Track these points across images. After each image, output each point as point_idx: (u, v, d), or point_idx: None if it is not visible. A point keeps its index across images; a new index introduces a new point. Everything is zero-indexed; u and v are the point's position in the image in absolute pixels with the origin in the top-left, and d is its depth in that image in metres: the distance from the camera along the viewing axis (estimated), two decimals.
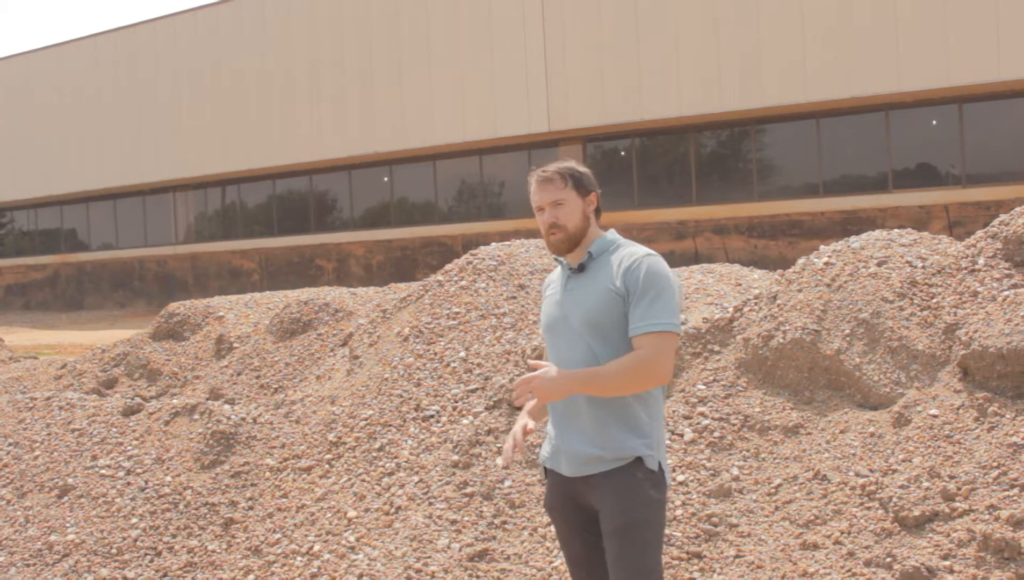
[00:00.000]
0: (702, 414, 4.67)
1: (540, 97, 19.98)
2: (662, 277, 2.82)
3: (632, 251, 2.90)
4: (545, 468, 3.06)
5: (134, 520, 4.97)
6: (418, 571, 4.25)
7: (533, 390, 2.74)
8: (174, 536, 4.85)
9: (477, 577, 4.19)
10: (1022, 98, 16.68)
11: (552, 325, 2.98)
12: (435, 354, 5.62)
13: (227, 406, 5.71)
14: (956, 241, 5.30)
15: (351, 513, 4.71)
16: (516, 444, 2.90)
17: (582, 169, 3.01)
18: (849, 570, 3.73)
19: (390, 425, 5.22)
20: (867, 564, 3.72)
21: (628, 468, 2.84)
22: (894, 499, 3.88)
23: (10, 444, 5.82)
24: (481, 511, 4.49)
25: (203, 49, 25.28)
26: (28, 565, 4.83)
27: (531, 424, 2.93)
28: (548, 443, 3.01)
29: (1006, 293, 4.44)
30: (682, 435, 4.59)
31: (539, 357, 5.20)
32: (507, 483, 4.62)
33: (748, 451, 4.45)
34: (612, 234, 3.00)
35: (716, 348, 5.03)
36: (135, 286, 27.94)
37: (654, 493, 2.85)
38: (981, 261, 4.72)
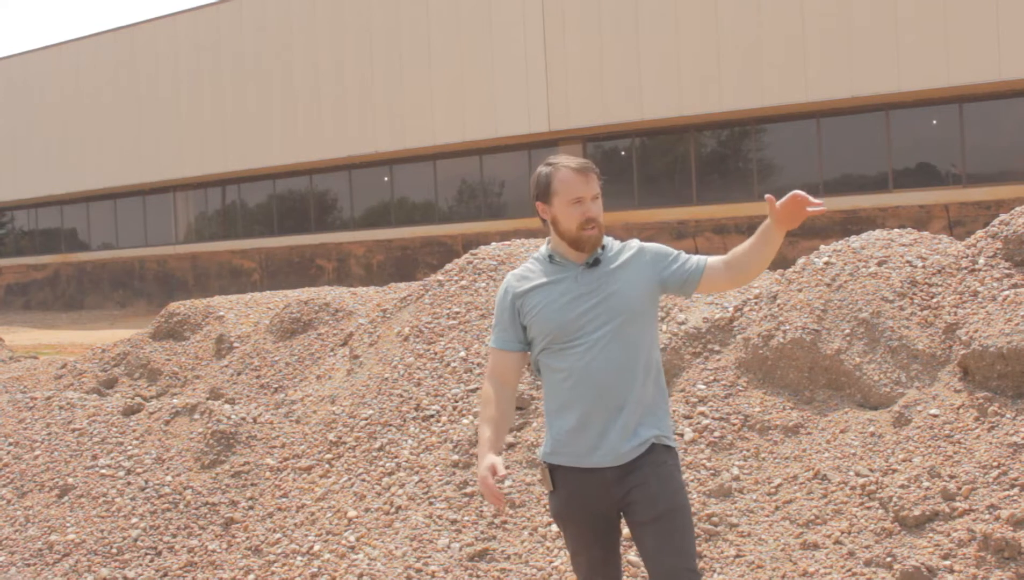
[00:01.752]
0: (702, 414, 4.67)
1: (540, 97, 19.97)
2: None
3: (628, 245, 3.06)
4: (552, 474, 2.96)
5: (134, 520, 4.97)
6: (418, 571, 4.25)
7: (801, 203, 2.82)
8: (174, 536, 4.85)
9: (477, 577, 4.19)
10: (1022, 98, 16.68)
11: (573, 326, 2.90)
12: (435, 354, 5.61)
13: (227, 406, 5.71)
14: (956, 241, 5.30)
15: (351, 513, 4.71)
16: (495, 495, 2.84)
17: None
18: (849, 570, 3.73)
19: (390, 425, 5.22)
20: (867, 564, 3.73)
21: (657, 456, 2.90)
22: (894, 499, 3.88)
23: (10, 444, 5.82)
24: (481, 511, 4.49)
25: (203, 49, 25.27)
26: (28, 565, 4.84)
27: (500, 464, 2.86)
28: (567, 443, 2.93)
29: (1006, 293, 4.44)
30: (682, 435, 4.58)
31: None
32: (507, 483, 4.62)
33: (748, 451, 4.45)
34: None
35: (716, 348, 5.03)
36: (135, 286, 27.94)
37: (680, 478, 2.97)
38: (981, 261, 4.72)
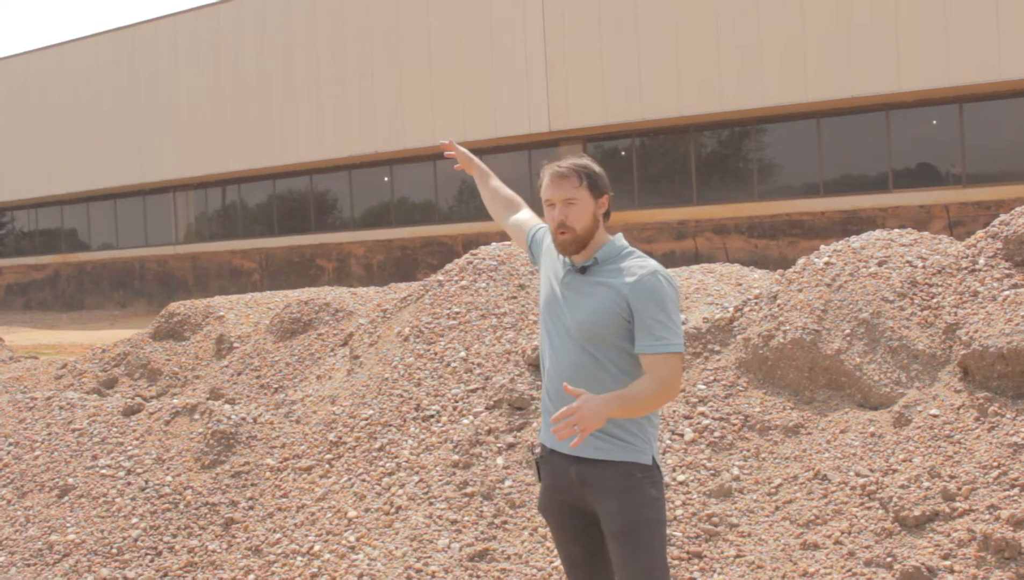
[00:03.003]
0: (702, 414, 4.67)
1: (540, 97, 19.98)
2: (670, 297, 2.80)
3: (638, 265, 2.84)
4: (539, 468, 3.01)
5: (134, 520, 4.97)
6: (418, 571, 4.25)
7: (578, 422, 2.58)
8: (174, 536, 4.85)
9: (477, 577, 4.19)
10: (1022, 98, 16.68)
11: (547, 312, 2.98)
12: (435, 354, 5.61)
13: (227, 406, 5.71)
14: (956, 241, 5.30)
15: (351, 513, 4.71)
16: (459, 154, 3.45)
17: (598, 169, 2.94)
18: (849, 570, 3.73)
19: (390, 425, 5.22)
20: (867, 564, 3.73)
21: (625, 467, 2.82)
22: (894, 499, 3.88)
23: (10, 444, 5.82)
24: (481, 511, 4.49)
25: (203, 49, 25.28)
26: (28, 565, 4.83)
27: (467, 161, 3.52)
28: (546, 425, 2.99)
29: (1006, 293, 4.44)
30: (682, 435, 4.58)
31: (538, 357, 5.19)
32: (507, 483, 4.62)
33: (748, 451, 4.45)
34: (620, 240, 2.95)
35: (716, 348, 5.03)
36: (135, 286, 27.94)
37: (654, 492, 2.84)
38: (981, 261, 4.72)
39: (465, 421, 5.05)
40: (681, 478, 4.37)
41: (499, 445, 4.82)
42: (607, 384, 2.80)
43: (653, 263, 2.86)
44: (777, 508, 4.14)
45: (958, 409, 4.17)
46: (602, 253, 2.89)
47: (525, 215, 3.37)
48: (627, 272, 2.83)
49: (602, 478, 2.82)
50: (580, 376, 2.83)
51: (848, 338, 4.65)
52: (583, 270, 2.90)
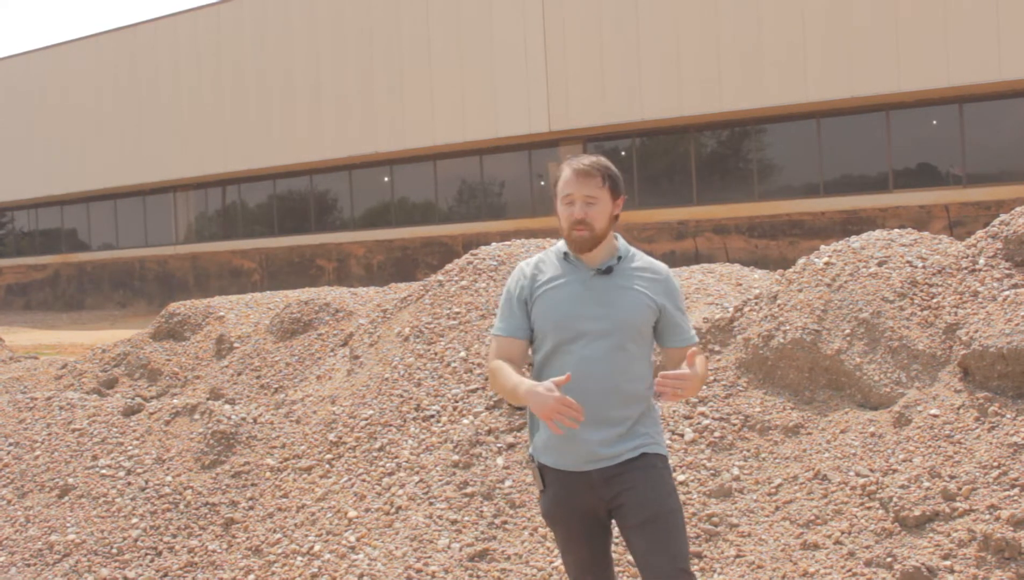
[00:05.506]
0: (702, 414, 4.67)
1: (540, 97, 19.98)
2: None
3: (653, 266, 3.02)
4: (542, 474, 2.99)
5: (134, 520, 4.97)
6: (418, 571, 4.25)
7: (684, 388, 2.69)
8: (174, 536, 4.85)
9: (477, 577, 4.19)
10: (1022, 98, 16.68)
11: (573, 324, 2.90)
12: (435, 354, 5.61)
13: (227, 406, 5.71)
14: (957, 241, 5.29)
15: (351, 513, 4.71)
16: (570, 404, 2.64)
17: (616, 170, 3.00)
18: (849, 570, 3.74)
19: (390, 425, 5.22)
20: (867, 564, 3.73)
21: (647, 460, 2.90)
22: (894, 499, 3.88)
23: (10, 444, 5.82)
24: (481, 511, 4.49)
25: (203, 49, 25.28)
26: (28, 565, 4.84)
27: (551, 380, 2.69)
28: (551, 442, 2.95)
29: (1006, 293, 4.44)
30: (682, 435, 4.59)
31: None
32: (507, 483, 4.62)
33: (748, 451, 4.45)
34: (623, 241, 3.05)
35: (716, 348, 5.03)
36: (135, 286, 27.94)
37: (672, 481, 2.96)
38: (982, 261, 4.72)
39: (465, 421, 5.05)
40: (681, 478, 4.37)
41: (499, 445, 4.82)
42: (641, 374, 2.93)
43: (663, 264, 3.06)
44: (777, 508, 4.14)
45: (958, 409, 4.17)
46: (622, 251, 3.00)
47: (509, 359, 2.98)
48: (649, 271, 2.99)
49: (627, 471, 2.87)
50: (617, 370, 2.89)
51: (848, 338, 4.65)
52: (609, 270, 2.95)
